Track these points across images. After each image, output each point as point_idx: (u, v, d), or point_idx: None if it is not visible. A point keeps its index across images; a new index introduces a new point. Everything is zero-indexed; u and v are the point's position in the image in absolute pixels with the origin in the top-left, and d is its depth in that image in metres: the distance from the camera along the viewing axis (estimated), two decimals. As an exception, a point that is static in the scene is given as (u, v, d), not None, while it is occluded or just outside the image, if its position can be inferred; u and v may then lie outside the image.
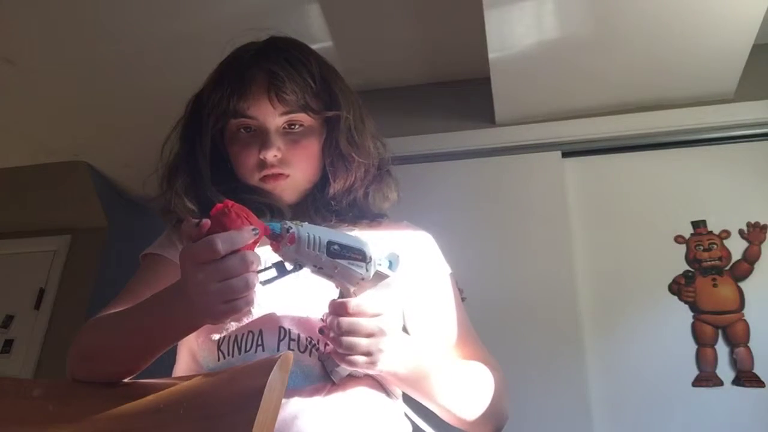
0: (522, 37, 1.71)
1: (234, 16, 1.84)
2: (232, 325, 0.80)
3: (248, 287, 0.63)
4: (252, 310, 0.66)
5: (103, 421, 0.68)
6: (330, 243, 0.71)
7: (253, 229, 0.64)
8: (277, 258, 0.70)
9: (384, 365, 0.74)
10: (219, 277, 0.61)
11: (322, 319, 0.76)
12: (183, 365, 0.86)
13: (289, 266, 0.70)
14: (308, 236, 0.69)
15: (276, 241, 0.67)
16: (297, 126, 0.89)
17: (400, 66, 2.16)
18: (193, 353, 0.84)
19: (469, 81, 2.14)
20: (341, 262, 0.72)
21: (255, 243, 0.65)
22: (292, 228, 0.68)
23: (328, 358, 0.76)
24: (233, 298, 0.62)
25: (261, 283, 0.69)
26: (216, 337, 0.80)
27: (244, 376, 0.66)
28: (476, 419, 0.85)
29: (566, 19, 1.66)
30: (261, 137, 0.88)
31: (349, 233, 0.77)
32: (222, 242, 0.61)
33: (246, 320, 0.80)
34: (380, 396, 0.80)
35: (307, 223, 0.70)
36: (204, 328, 0.80)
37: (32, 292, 2.72)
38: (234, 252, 0.62)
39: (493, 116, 2.01)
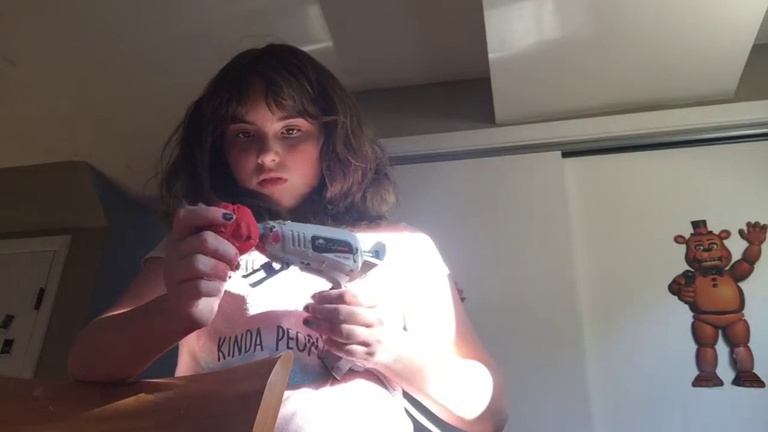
0: (522, 37, 1.71)
1: (234, 17, 1.84)
2: (230, 327, 0.80)
3: (193, 269, 0.57)
4: (208, 309, 0.61)
5: (103, 421, 0.68)
6: (315, 237, 0.71)
7: (225, 214, 0.60)
8: (265, 260, 0.70)
9: (381, 356, 0.74)
10: (177, 255, 0.59)
11: (306, 309, 0.75)
12: (184, 366, 0.86)
13: (276, 266, 0.69)
14: (292, 233, 0.69)
15: (261, 241, 0.67)
16: (295, 131, 0.90)
17: (400, 66, 2.17)
18: (193, 354, 0.84)
19: (469, 81, 2.14)
20: (328, 256, 0.72)
21: (242, 239, 0.62)
22: (275, 227, 0.68)
23: (329, 354, 0.76)
24: (181, 279, 0.58)
25: (250, 285, 0.69)
26: (215, 337, 0.81)
27: (244, 376, 0.66)
28: (475, 418, 0.85)
29: (566, 19, 1.66)
30: (259, 142, 0.89)
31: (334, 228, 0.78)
32: (185, 212, 0.60)
33: (239, 323, 0.80)
34: (381, 392, 0.80)
35: (290, 221, 0.70)
36: (203, 329, 0.81)
37: (32, 292, 2.73)
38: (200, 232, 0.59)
39: (493, 116, 2.01)
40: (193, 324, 0.61)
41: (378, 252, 0.78)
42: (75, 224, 2.85)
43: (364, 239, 0.78)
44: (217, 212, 0.60)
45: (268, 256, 0.69)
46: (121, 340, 0.74)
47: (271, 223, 0.68)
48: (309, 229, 0.71)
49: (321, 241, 0.71)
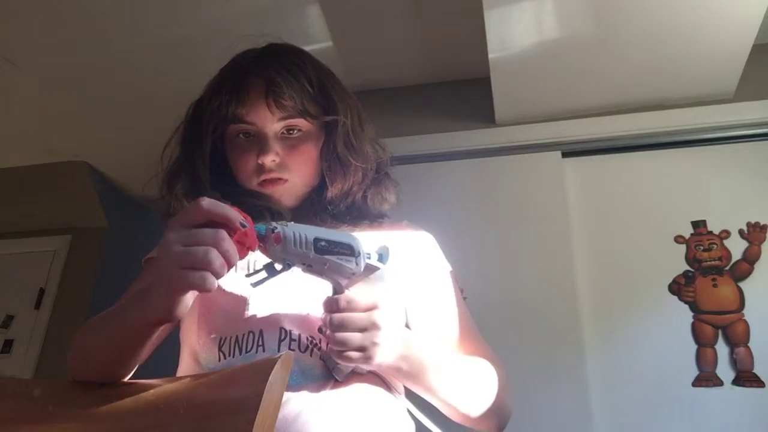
0: (522, 37, 1.71)
1: (234, 17, 1.84)
2: (231, 327, 0.80)
3: (207, 260, 0.59)
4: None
5: (103, 421, 0.68)
6: (317, 240, 0.71)
7: (242, 222, 0.62)
8: (267, 261, 0.70)
9: (380, 359, 0.74)
10: (186, 241, 0.60)
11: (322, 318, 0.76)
12: (185, 366, 0.86)
13: (278, 266, 0.69)
14: (294, 235, 0.69)
15: (262, 242, 0.67)
16: (295, 131, 0.90)
17: (400, 66, 2.17)
18: (194, 354, 0.84)
19: (469, 81, 2.14)
20: (330, 258, 0.71)
21: (244, 247, 0.63)
22: (277, 228, 0.68)
23: (330, 356, 0.76)
24: (189, 266, 0.59)
25: (252, 284, 0.69)
26: (216, 337, 0.81)
27: (245, 376, 0.66)
28: (480, 414, 0.85)
29: (566, 19, 1.66)
30: (259, 142, 0.88)
31: (338, 230, 0.77)
32: (209, 203, 0.61)
33: (241, 318, 0.80)
34: (382, 393, 0.80)
35: (293, 222, 0.70)
36: (204, 329, 0.81)
37: (32, 292, 2.73)
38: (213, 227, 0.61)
39: (493, 116, 2.02)
40: (167, 316, 0.62)
41: (381, 255, 0.78)
42: (75, 224, 2.85)
43: (367, 239, 0.77)
44: (237, 215, 0.62)
45: (269, 257, 0.69)
46: (104, 339, 0.74)
47: (273, 223, 0.68)
48: (311, 231, 0.71)
49: (323, 243, 0.71)
